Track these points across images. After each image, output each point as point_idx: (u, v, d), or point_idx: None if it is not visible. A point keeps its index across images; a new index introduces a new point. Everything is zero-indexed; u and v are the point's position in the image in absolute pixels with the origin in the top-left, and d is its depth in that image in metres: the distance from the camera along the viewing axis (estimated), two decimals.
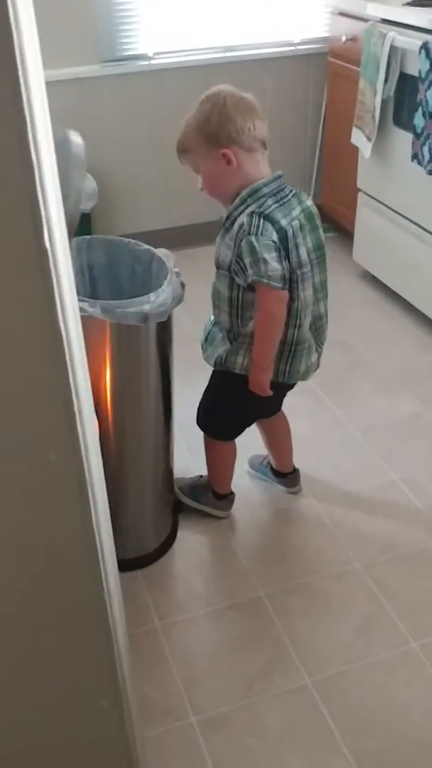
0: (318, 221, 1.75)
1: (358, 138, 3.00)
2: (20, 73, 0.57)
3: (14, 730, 0.97)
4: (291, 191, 1.69)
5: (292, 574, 1.91)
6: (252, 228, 1.60)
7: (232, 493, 2.11)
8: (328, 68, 3.32)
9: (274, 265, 1.60)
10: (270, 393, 1.78)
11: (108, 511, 0.91)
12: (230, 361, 1.79)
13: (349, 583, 1.88)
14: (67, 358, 0.71)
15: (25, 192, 0.60)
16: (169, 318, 1.70)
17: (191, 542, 2.03)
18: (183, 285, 1.72)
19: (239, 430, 2.01)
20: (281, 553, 1.98)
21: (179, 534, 2.05)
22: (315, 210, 1.75)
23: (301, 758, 1.52)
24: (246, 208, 1.64)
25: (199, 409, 1.98)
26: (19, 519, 0.79)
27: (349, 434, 2.39)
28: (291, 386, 1.94)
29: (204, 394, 1.96)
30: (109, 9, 3.07)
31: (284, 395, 1.99)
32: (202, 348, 1.87)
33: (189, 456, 2.29)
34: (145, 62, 3.21)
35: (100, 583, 0.86)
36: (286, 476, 2.17)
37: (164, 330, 1.72)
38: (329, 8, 3.26)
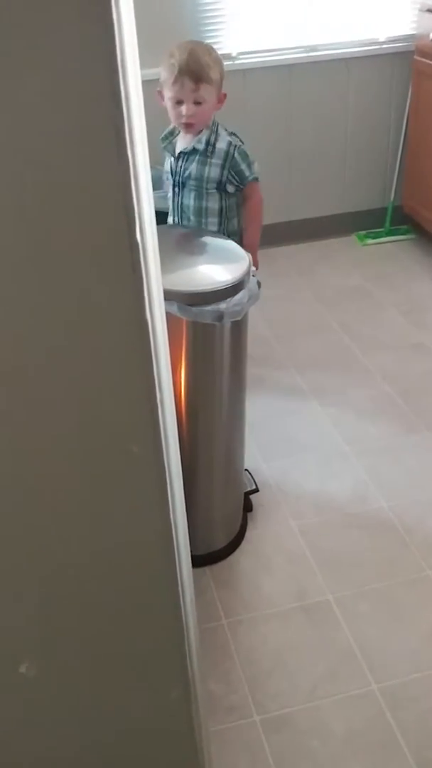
0: None
1: None
2: (120, 69, 0.58)
3: (85, 717, 0.99)
4: None
5: (361, 579, 1.89)
6: (239, 142, 2.05)
7: None
8: (414, 67, 3.27)
9: (257, 164, 2.06)
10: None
11: (184, 505, 0.92)
12: None
13: (420, 591, 1.85)
14: (153, 351, 0.72)
15: (120, 187, 0.62)
16: (245, 317, 1.71)
17: (260, 542, 2.03)
18: (259, 284, 1.73)
19: None
20: (351, 557, 1.96)
21: (248, 534, 2.05)
22: None
23: (363, 764, 1.50)
24: (217, 133, 2.02)
25: None
26: (100, 509, 0.81)
27: (424, 440, 2.35)
28: None
29: None
30: (193, 9, 3.10)
31: None
32: None
33: (259, 456, 2.29)
34: (229, 62, 3.21)
35: (174, 575, 0.87)
36: None
37: (239, 329, 1.73)
38: (417, 5, 3.20)
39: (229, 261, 1.70)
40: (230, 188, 2.06)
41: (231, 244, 1.79)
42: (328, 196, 3.59)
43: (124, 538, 0.84)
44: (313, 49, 3.29)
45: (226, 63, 3.17)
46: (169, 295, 1.55)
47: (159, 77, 1.96)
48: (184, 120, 1.98)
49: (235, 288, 1.61)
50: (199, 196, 2.08)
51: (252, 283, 1.68)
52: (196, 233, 1.97)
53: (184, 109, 1.96)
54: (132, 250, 0.65)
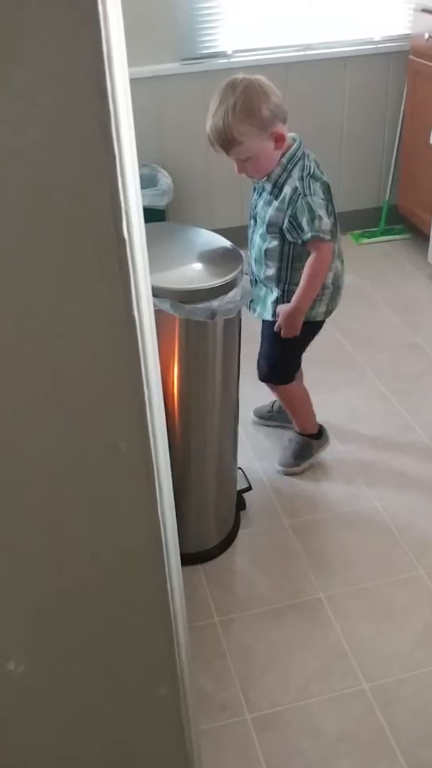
0: None
1: None
2: (105, 63, 0.58)
3: (73, 714, 0.98)
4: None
5: (353, 578, 1.89)
6: (306, 190, 1.81)
7: (322, 426, 2.26)
8: (409, 67, 3.27)
9: (326, 220, 1.82)
10: (298, 333, 1.97)
11: (173, 502, 0.92)
12: None
13: (412, 591, 1.85)
14: (140, 347, 0.72)
15: (107, 183, 0.62)
16: (237, 315, 1.71)
17: (252, 541, 2.03)
18: (252, 282, 1.73)
19: (296, 370, 2.17)
20: (343, 556, 1.96)
21: (240, 532, 2.05)
22: None
23: (354, 763, 1.50)
24: (289, 173, 1.82)
25: (259, 364, 2.12)
26: (88, 506, 0.81)
27: (418, 440, 2.35)
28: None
29: (262, 348, 2.11)
30: (189, 7, 3.09)
31: None
32: (250, 308, 2.05)
33: (252, 454, 2.29)
34: (224, 60, 3.22)
35: (163, 572, 0.87)
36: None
37: (232, 326, 1.73)
38: (412, 5, 3.20)
39: (223, 259, 1.70)
40: (290, 237, 1.86)
41: (224, 242, 1.78)
42: None
43: (112, 535, 0.84)
44: (309, 47, 3.29)
45: (221, 61, 3.20)
46: (162, 293, 1.55)
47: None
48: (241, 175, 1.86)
49: (227, 286, 1.60)
50: (263, 236, 1.92)
51: (245, 281, 1.68)
52: (189, 231, 1.96)
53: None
54: (119, 245, 0.64)
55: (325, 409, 2.48)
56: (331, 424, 2.41)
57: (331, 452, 2.30)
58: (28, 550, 0.82)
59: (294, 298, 1.91)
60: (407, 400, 2.51)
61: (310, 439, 2.23)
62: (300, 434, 2.23)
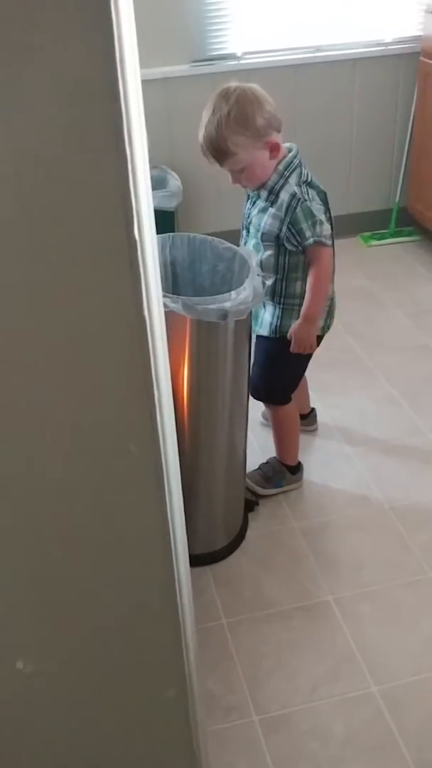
0: None
1: None
2: (118, 65, 0.58)
3: (82, 714, 0.99)
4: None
5: (362, 581, 1.89)
6: (305, 195, 1.77)
7: (300, 463, 2.19)
8: (420, 68, 3.26)
9: (326, 225, 1.80)
10: (316, 347, 1.93)
11: (182, 504, 0.92)
12: (285, 326, 1.90)
13: (421, 594, 1.84)
14: (150, 349, 0.72)
15: (118, 184, 0.62)
16: (249, 316, 1.71)
17: (260, 542, 2.03)
18: (264, 284, 1.73)
19: (294, 390, 2.08)
20: (352, 558, 1.96)
21: (249, 534, 2.05)
22: None
23: (362, 766, 1.50)
24: (286, 180, 1.78)
25: (255, 383, 1.97)
26: (98, 508, 0.81)
27: (426, 442, 2.34)
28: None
29: (258, 366, 1.98)
30: (199, 9, 3.10)
31: None
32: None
33: (260, 454, 2.29)
34: (234, 62, 3.22)
35: (171, 573, 0.87)
36: (307, 416, 2.35)
37: (243, 328, 1.73)
38: (423, 6, 3.20)
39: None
40: (289, 246, 1.81)
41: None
42: (332, 197, 3.54)
43: (122, 536, 0.84)
44: (319, 49, 3.28)
45: (230, 63, 3.21)
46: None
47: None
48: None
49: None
50: (256, 246, 1.86)
51: (257, 282, 1.68)
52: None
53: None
54: (130, 247, 0.65)
55: (334, 411, 2.48)
56: (340, 427, 2.41)
57: (340, 454, 2.30)
58: (38, 551, 0.82)
59: (302, 311, 1.86)
60: (417, 403, 2.50)
61: (286, 470, 2.16)
62: (279, 461, 2.16)
